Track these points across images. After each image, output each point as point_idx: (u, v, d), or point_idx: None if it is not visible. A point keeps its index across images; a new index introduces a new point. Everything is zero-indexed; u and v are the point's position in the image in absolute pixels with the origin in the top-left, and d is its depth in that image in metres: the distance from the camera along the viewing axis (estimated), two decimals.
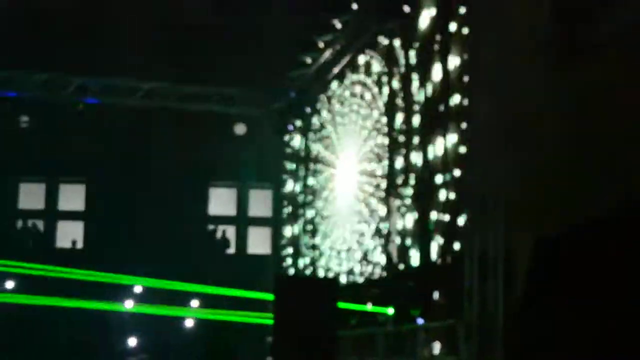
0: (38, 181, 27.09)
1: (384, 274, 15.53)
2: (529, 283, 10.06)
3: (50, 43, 24.31)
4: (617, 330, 8.27)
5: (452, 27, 13.64)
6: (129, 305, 21.45)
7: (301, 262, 20.53)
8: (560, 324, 9.20)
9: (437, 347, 13.38)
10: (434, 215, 13.92)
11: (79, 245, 26.47)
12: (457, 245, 12.77)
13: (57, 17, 24.69)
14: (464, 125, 12.96)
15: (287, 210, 22.33)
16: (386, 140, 16.26)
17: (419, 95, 14.76)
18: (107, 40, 25.55)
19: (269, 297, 15.02)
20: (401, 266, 14.84)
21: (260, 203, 26.52)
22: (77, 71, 23.90)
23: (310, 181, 20.53)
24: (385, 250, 15.45)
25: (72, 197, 27.12)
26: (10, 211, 26.86)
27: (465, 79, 12.96)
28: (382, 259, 15.69)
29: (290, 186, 22.15)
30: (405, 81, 15.19)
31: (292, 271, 20.68)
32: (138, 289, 21.57)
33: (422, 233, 14.11)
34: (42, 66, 23.69)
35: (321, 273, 18.87)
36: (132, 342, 24.42)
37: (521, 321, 10.27)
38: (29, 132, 26.64)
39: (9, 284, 22.12)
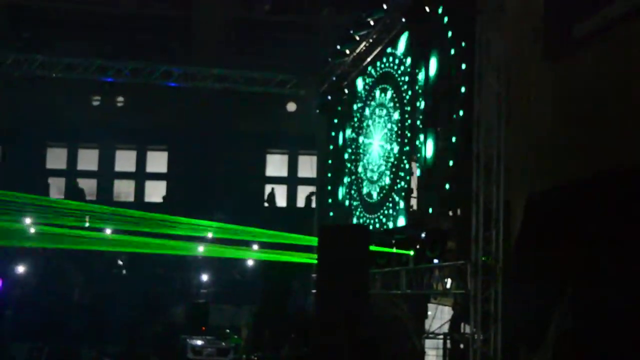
0: (130, 148, 27.48)
1: (407, 222, 15.49)
2: (522, 231, 10.11)
3: (138, 37, 24.56)
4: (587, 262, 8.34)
5: (464, 21, 13.45)
6: (202, 248, 21.68)
7: (339, 213, 20.48)
8: (544, 261, 9.28)
9: (449, 283, 13.40)
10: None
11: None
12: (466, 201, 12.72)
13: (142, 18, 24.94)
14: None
15: (329, 171, 22.33)
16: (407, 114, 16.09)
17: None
18: (185, 34, 25.73)
19: (314, 241, 15.11)
20: (421, 216, 14.80)
21: (306, 166, 26.66)
22: (161, 60, 24.04)
23: (347, 151, 20.46)
24: (408, 203, 15.41)
25: (157, 161, 27.52)
26: (109, 172, 27.36)
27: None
28: (406, 211, 15.64)
29: (331, 152, 22.06)
30: (426, 64, 14.97)
31: (332, 221, 20.64)
32: (209, 235, 21.77)
33: (437, 191, 14.05)
34: (133, 56, 23.92)
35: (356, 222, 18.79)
36: (204, 277, 24.77)
37: (515, 260, 10.33)
38: (123, 110, 27.00)
39: (107, 231, 22.43)
